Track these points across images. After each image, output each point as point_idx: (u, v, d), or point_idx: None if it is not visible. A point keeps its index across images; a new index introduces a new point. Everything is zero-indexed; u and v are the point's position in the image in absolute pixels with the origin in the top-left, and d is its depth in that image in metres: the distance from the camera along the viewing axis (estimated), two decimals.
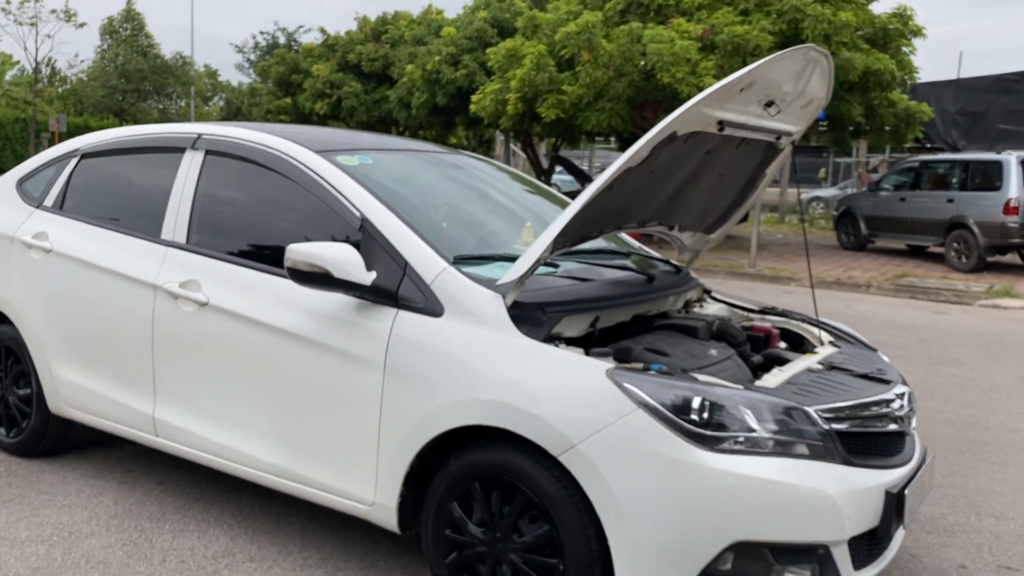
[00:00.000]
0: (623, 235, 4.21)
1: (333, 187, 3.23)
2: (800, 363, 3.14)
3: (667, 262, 4.01)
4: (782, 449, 2.57)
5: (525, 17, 16.15)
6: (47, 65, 36.52)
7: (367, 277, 2.95)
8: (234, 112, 33.47)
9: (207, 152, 3.67)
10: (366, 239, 3.07)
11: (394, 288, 2.96)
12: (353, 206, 3.15)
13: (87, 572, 3.17)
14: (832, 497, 2.54)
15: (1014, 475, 4.60)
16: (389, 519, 2.98)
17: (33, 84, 33.38)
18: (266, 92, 26.94)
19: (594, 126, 14.84)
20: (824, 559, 2.59)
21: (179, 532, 3.52)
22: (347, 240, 3.10)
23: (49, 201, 4.14)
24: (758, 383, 2.83)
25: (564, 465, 2.60)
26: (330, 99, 24.25)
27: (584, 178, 21.48)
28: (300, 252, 2.91)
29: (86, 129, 25.86)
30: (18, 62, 36.50)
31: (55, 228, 4.01)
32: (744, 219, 19.67)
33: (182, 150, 3.74)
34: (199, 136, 3.72)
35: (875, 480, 2.69)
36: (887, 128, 16.33)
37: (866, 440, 2.78)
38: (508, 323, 2.80)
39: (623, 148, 21.27)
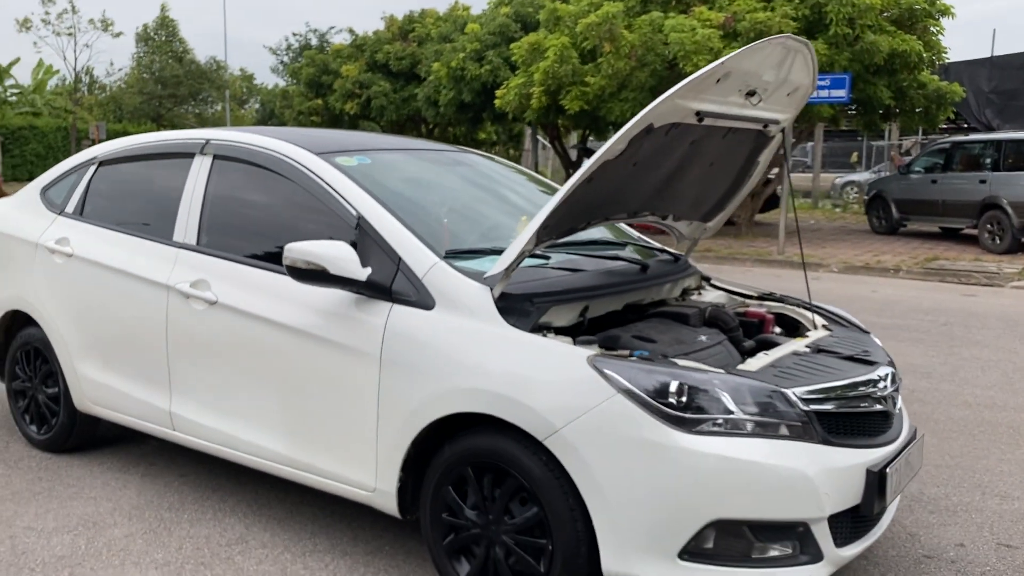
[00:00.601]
0: (622, 225, 4.30)
1: (331, 187, 3.36)
2: (787, 347, 3.20)
3: (665, 251, 4.08)
4: (760, 430, 2.64)
5: (547, 10, 16.20)
6: (86, 74, 37.29)
7: (362, 273, 3.07)
8: (268, 115, 33.90)
9: (215, 157, 3.82)
10: (362, 236, 3.19)
11: (388, 283, 3.08)
12: (350, 205, 3.28)
13: (108, 560, 3.33)
14: (809, 476, 2.60)
15: (1023, 456, 4.61)
16: (389, 504, 3.11)
17: (73, 93, 34.12)
18: (297, 94, 27.28)
19: (618, 117, 14.83)
20: (804, 536, 2.66)
21: (196, 521, 3.68)
22: (347, 238, 3.22)
23: (70, 208, 4.33)
24: (741, 367, 2.90)
25: (549, 449, 2.70)
26: (360, 99, 24.51)
27: None
28: (297, 250, 3.04)
29: (125, 135, 26.41)
30: (58, 71, 37.35)
31: (76, 233, 4.19)
32: (775, 206, 19.56)
33: (192, 155, 3.90)
34: (207, 141, 3.88)
35: (856, 459, 2.75)
36: (918, 110, 16.11)
37: (848, 420, 2.84)
38: (495, 314, 2.90)
39: None
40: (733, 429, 2.62)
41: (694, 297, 3.88)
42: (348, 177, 3.37)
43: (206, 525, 3.64)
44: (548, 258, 3.43)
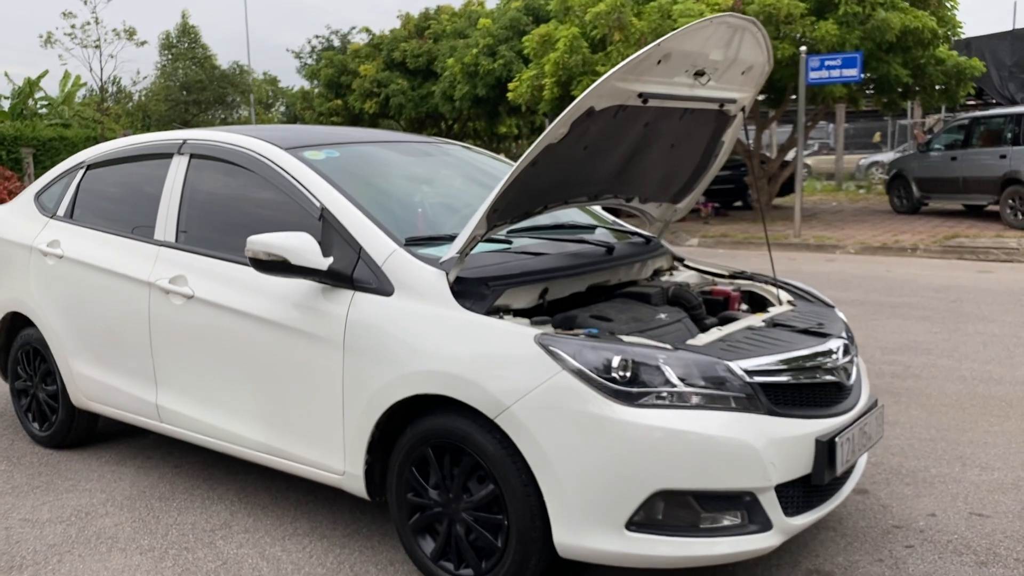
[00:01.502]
0: (597, 209, 4.35)
1: (297, 180, 3.45)
2: (743, 322, 3.24)
3: (637, 233, 4.13)
4: (704, 402, 2.69)
5: (557, 0, 16.22)
6: (112, 83, 37.90)
7: (324, 262, 3.16)
8: (292, 117, 34.26)
9: (191, 156, 3.93)
10: (325, 227, 3.29)
11: (349, 272, 3.17)
12: (314, 197, 3.37)
13: (96, 547, 3.47)
14: (754, 446, 2.65)
15: (1013, 427, 4.59)
16: (358, 486, 3.20)
17: (100, 103, 34.71)
18: (317, 95, 27.54)
19: None
20: (751, 505, 2.70)
21: (184, 509, 3.80)
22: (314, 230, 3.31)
23: (61, 211, 4.48)
24: (689, 342, 2.95)
25: (501, 427, 2.77)
26: (378, 98, 24.70)
27: None
28: (259, 242, 3.14)
29: None
30: (85, 83, 38.00)
31: (66, 236, 4.34)
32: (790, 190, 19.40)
33: (170, 156, 4.02)
34: (184, 141, 3.99)
35: (804, 429, 2.79)
36: (937, 87, 15.92)
37: (796, 391, 2.87)
38: (450, 298, 2.98)
39: None
40: (677, 402, 2.67)
41: (665, 278, 3.92)
42: (313, 170, 3.46)
43: (193, 513, 3.76)
44: (510, 243, 3.50)
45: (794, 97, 14.18)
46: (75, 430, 4.50)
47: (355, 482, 3.20)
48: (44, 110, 37.59)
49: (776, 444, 2.71)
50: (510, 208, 3.08)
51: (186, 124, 37.29)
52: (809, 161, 30.46)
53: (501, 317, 3.00)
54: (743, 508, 2.70)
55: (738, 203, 18.86)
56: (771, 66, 3.51)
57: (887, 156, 25.23)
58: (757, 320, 3.27)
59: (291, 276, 3.18)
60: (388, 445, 3.14)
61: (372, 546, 3.40)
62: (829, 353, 3.00)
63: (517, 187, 2.94)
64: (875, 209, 17.90)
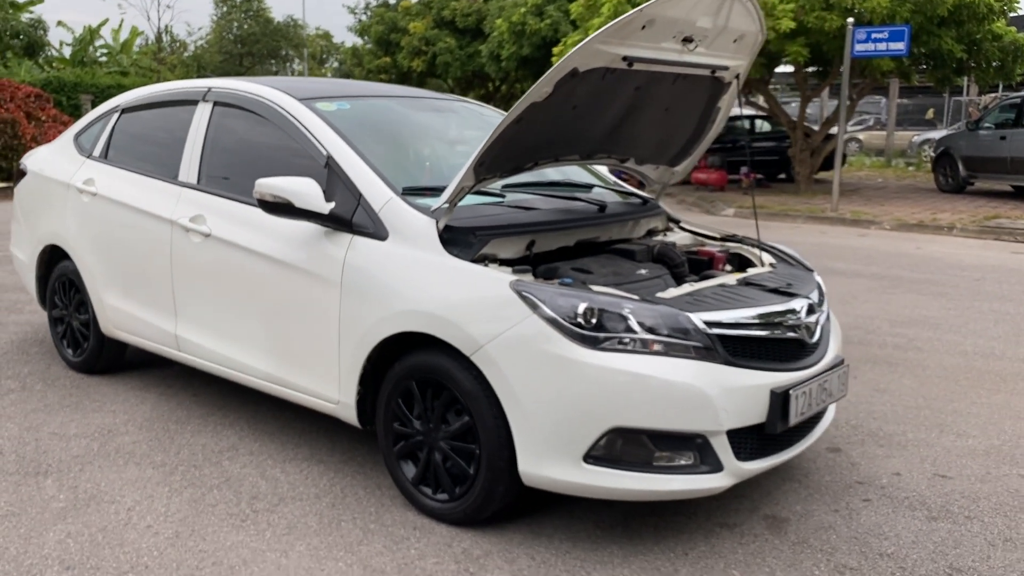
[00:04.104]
0: (600, 169, 4.51)
1: (307, 129, 3.68)
2: (717, 280, 3.42)
3: (635, 194, 4.29)
4: (663, 350, 2.88)
5: None
6: (167, 33, 38.51)
7: (325, 207, 3.39)
8: (344, 73, 34.57)
9: (215, 103, 4.19)
10: (330, 174, 3.52)
11: (349, 216, 3.40)
12: (321, 145, 3.60)
13: (115, 460, 3.79)
14: (705, 392, 2.84)
15: (1000, 400, 4.69)
16: (350, 415, 3.46)
17: (156, 53, 35.36)
18: (367, 52, 27.75)
19: None
20: (703, 447, 2.90)
21: (198, 432, 4.11)
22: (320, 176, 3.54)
23: (96, 152, 4.78)
24: (659, 295, 3.13)
25: (476, 364, 3.00)
26: (426, 56, 24.82)
27: None
28: (266, 185, 3.38)
29: None
30: (142, 32, 38.72)
31: (100, 175, 4.64)
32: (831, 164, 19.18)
33: (196, 103, 4.28)
34: (209, 89, 4.25)
35: (759, 380, 2.97)
36: (993, 64, 15.58)
37: (756, 344, 3.05)
38: (437, 244, 3.19)
39: None
40: (638, 348, 2.87)
41: (658, 237, 4.09)
42: (323, 120, 3.69)
43: (205, 435, 4.07)
44: (504, 197, 3.69)
45: (842, 70, 14.03)
46: (104, 357, 4.84)
47: (348, 411, 3.46)
48: (104, 58, 38.44)
49: (730, 392, 2.89)
50: (498, 162, 3.27)
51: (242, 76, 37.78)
52: (861, 136, 29.95)
53: (486, 265, 3.21)
54: (695, 449, 2.90)
55: (782, 175, 18.74)
56: (764, 35, 3.62)
57: (940, 133, 24.71)
58: (731, 279, 3.43)
59: (295, 218, 3.42)
60: (378, 378, 3.38)
61: (364, 472, 3.67)
62: (792, 312, 3.16)
63: (503, 143, 3.12)
64: (920, 187, 17.66)
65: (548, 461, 2.90)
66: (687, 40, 3.29)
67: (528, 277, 3.17)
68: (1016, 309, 6.95)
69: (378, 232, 3.34)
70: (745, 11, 3.37)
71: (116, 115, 4.79)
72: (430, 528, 3.19)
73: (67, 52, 34.47)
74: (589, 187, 4.18)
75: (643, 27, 3.05)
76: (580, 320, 2.86)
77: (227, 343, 3.93)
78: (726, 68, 3.62)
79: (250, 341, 3.81)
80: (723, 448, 2.92)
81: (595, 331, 2.86)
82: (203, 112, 4.21)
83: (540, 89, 3.00)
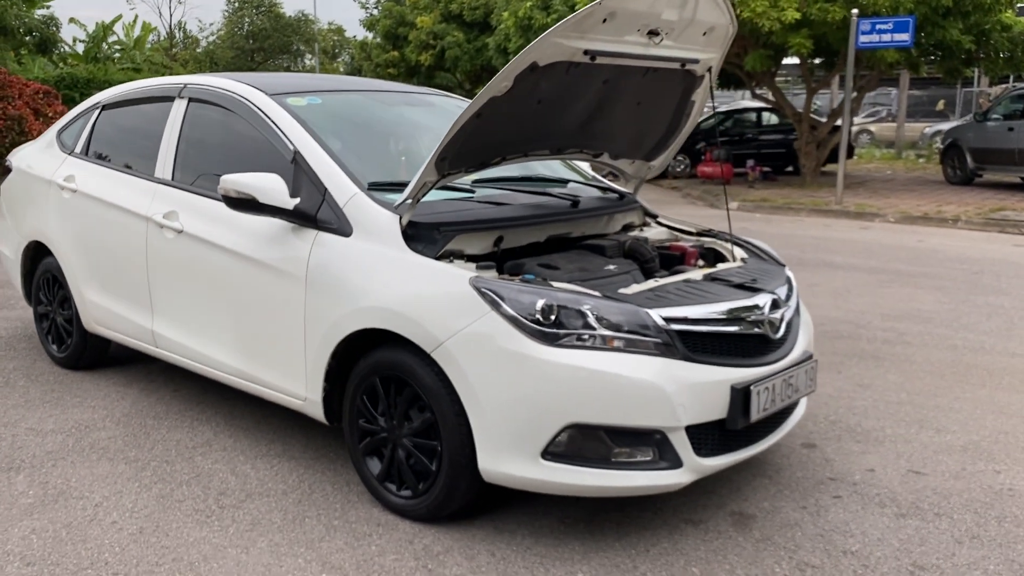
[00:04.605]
0: (581, 165, 4.49)
1: (275, 124, 3.68)
2: (684, 275, 3.39)
3: (612, 189, 4.26)
4: (623, 346, 2.86)
5: None
6: (179, 29, 38.64)
7: (290, 202, 3.39)
8: (354, 68, 34.61)
9: (190, 100, 4.19)
10: (297, 169, 3.51)
11: (314, 212, 3.40)
12: (289, 140, 3.59)
13: (88, 456, 3.81)
14: (662, 387, 2.82)
15: (984, 395, 4.64)
16: (317, 412, 3.46)
17: (168, 49, 35.49)
18: (375, 46, 27.75)
19: None
20: (661, 443, 2.88)
21: (174, 428, 4.12)
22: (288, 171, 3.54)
23: (78, 148, 4.80)
24: (621, 291, 3.11)
25: (437, 361, 2.99)
26: (434, 50, 24.79)
27: None
28: (230, 181, 3.38)
29: None
30: (155, 28, 38.85)
31: (80, 171, 4.66)
32: (850, 156, 19.03)
33: (172, 99, 4.28)
34: (185, 86, 4.25)
35: (719, 376, 2.95)
36: (1002, 55, 15.41)
37: (717, 340, 3.02)
38: (400, 240, 3.18)
39: (722, 86, 20.85)
40: (597, 344, 2.85)
41: (634, 232, 4.07)
42: (291, 115, 3.68)
43: (181, 431, 4.08)
44: (473, 192, 3.68)
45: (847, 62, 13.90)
46: (88, 352, 4.86)
47: (315, 407, 3.46)
48: (118, 54, 38.62)
49: (688, 388, 2.87)
50: (462, 157, 3.25)
51: (252, 72, 37.87)
52: (872, 128, 29.73)
53: (451, 261, 3.20)
54: (654, 445, 2.88)
55: (789, 168, 18.61)
56: (735, 28, 3.58)
57: (951, 125, 24.48)
58: (697, 274, 3.41)
59: (259, 214, 3.42)
60: (344, 375, 3.38)
61: (334, 468, 3.67)
62: (755, 307, 3.13)
63: (464, 137, 3.10)
64: (928, 179, 17.51)
65: (507, 457, 2.89)
66: (653, 33, 3.26)
67: (492, 273, 3.16)
68: (1011, 303, 6.88)
69: (342, 228, 3.33)
70: (713, 3, 3.34)
71: (97, 112, 4.81)
72: (394, 525, 3.19)
73: (80, 49, 34.65)
74: (564, 182, 4.15)
75: (604, 20, 3.02)
76: (539, 317, 2.85)
77: (200, 339, 3.94)
78: (696, 61, 3.59)
79: (221, 337, 3.82)
80: (682, 444, 2.90)
81: (553, 328, 2.85)
82: (179, 108, 4.22)
83: (499, 83, 2.98)
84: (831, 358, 5.30)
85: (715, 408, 2.95)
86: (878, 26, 12.81)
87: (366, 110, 4.19)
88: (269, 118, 3.71)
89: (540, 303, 2.86)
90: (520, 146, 3.51)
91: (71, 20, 34.24)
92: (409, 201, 3.21)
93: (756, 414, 3.02)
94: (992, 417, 4.31)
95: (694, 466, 2.94)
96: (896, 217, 12.40)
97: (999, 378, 4.94)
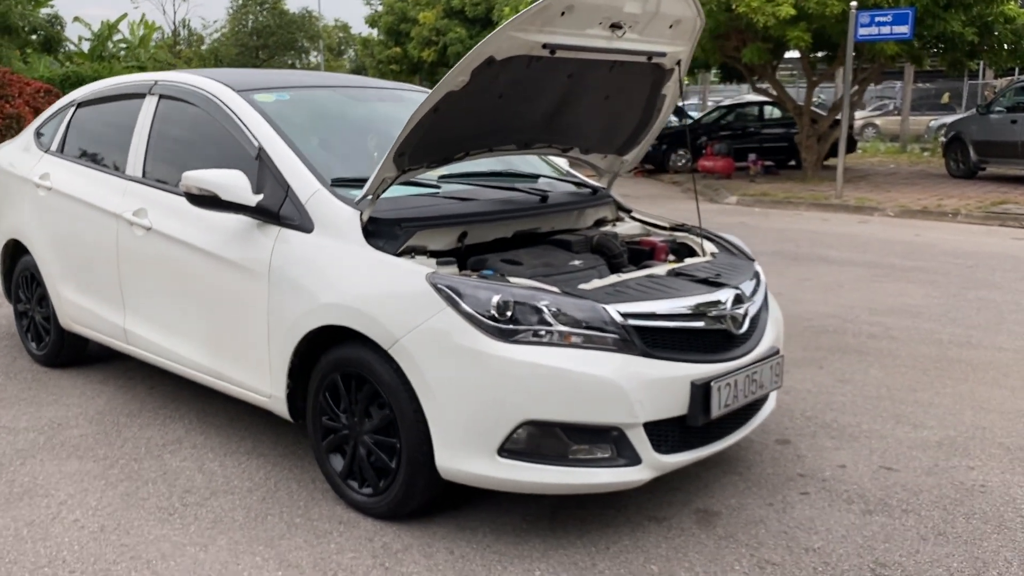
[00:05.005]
0: (557, 160, 4.46)
1: (241, 120, 3.66)
2: (647, 271, 3.36)
3: (586, 184, 4.24)
4: (580, 342, 2.83)
5: None
6: (183, 27, 38.71)
7: (253, 199, 3.37)
8: (358, 65, 34.63)
9: (160, 96, 4.18)
10: (261, 166, 3.50)
11: (276, 208, 3.38)
12: (254, 136, 3.58)
13: (58, 453, 3.80)
14: (619, 384, 2.79)
15: (965, 390, 4.60)
16: (282, 409, 3.45)
17: (172, 47, 35.56)
18: (377, 43, 27.73)
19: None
20: (619, 440, 2.86)
21: (146, 425, 4.12)
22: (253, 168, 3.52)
23: (54, 146, 4.80)
24: (581, 286, 3.08)
25: (394, 357, 2.97)
26: (436, 46, 24.76)
27: (681, 112, 21.17)
28: (192, 177, 3.37)
29: None
30: (160, 27, 38.91)
31: (56, 169, 4.65)
32: (852, 150, 18.91)
33: (143, 96, 4.27)
34: (156, 83, 4.24)
35: (679, 372, 2.92)
36: (1006, 47, 15.29)
37: (677, 336, 2.99)
38: (360, 236, 3.16)
39: (724, 80, 20.77)
40: (554, 340, 2.83)
41: (607, 227, 4.03)
42: (257, 111, 3.66)
43: (153, 428, 4.08)
44: (439, 187, 3.65)
45: (854, 55, 13.80)
46: (66, 350, 4.86)
47: (279, 404, 3.45)
48: (123, 52, 38.73)
49: (647, 384, 2.84)
50: (423, 153, 3.22)
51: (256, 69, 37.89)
52: (879, 121, 29.56)
53: (413, 257, 3.17)
54: (611, 442, 2.86)
55: (792, 162, 18.52)
56: (702, 20, 3.54)
57: (955, 118, 24.32)
58: (662, 269, 3.38)
59: (222, 211, 3.41)
60: (308, 372, 3.36)
61: (302, 466, 3.65)
62: (716, 302, 3.10)
63: (422, 132, 3.07)
64: (932, 173, 17.38)
65: (463, 455, 2.87)
66: (616, 26, 3.22)
67: (452, 269, 3.14)
68: (1003, 297, 6.82)
69: (304, 224, 3.31)
70: None
71: (72, 109, 4.80)
72: (355, 522, 3.17)
73: (86, 47, 34.74)
74: (535, 177, 4.13)
75: (562, 13, 2.98)
76: (494, 313, 2.82)
77: (170, 336, 3.93)
78: (663, 54, 3.54)
79: (189, 334, 3.81)
80: (640, 441, 2.87)
81: (509, 324, 2.82)
82: (149, 105, 4.21)
83: (455, 78, 2.95)
84: (814, 353, 5.26)
85: (675, 404, 2.92)
86: (877, 18, 12.72)
87: (336, 106, 4.17)
88: (235, 114, 3.70)
89: (495, 299, 2.84)
90: (483, 141, 3.48)
91: (75, 19, 34.24)
92: (369, 197, 3.19)
93: (717, 410, 2.99)
94: (971, 412, 4.26)
95: (653, 463, 2.91)
96: (895, 211, 12.31)
97: (983, 372, 4.89)
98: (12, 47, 28.22)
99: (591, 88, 3.54)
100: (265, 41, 37.39)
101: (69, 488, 3.47)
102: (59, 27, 32.26)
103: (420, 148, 3.17)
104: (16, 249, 5.04)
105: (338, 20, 50.89)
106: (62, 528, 3.15)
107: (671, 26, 3.43)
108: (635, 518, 3.20)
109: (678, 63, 3.67)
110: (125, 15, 38.56)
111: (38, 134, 4.99)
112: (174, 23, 33.62)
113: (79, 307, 4.51)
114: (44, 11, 31.76)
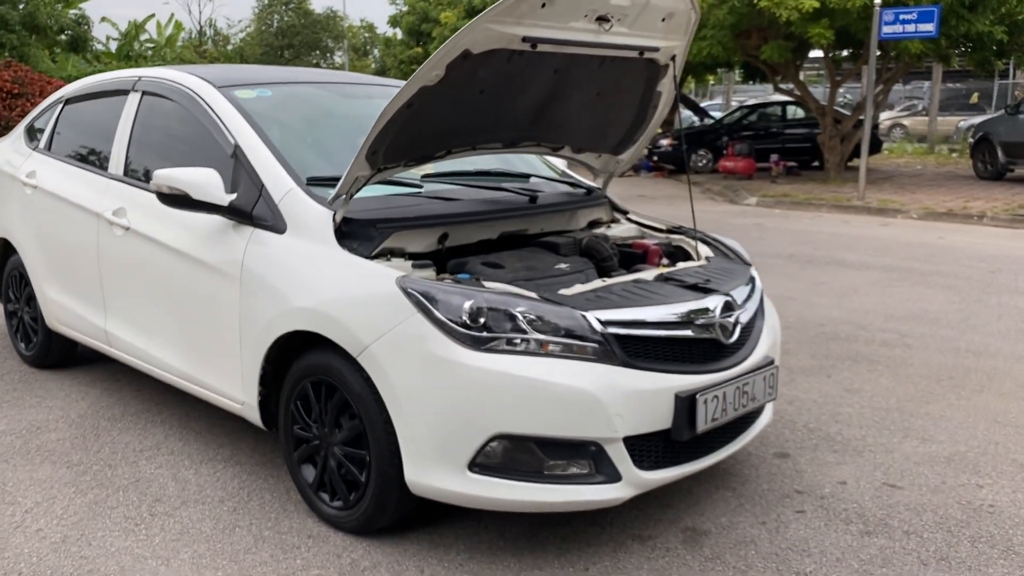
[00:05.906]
0: (550, 159, 4.30)
1: (219, 117, 3.54)
2: (634, 275, 3.19)
3: (580, 184, 4.08)
4: (557, 350, 2.68)
5: None
6: (209, 26, 38.94)
7: (225, 198, 3.25)
8: (381, 64, 34.61)
9: (143, 93, 4.07)
10: (236, 164, 3.37)
11: (249, 208, 3.25)
12: (230, 134, 3.45)
13: (32, 458, 3.71)
14: (596, 396, 2.63)
15: (980, 402, 4.38)
16: (254, 416, 3.32)
17: (198, 46, 35.77)
18: (399, 42, 27.68)
19: (694, 56, 14.42)
20: (598, 455, 2.69)
21: (126, 430, 4.01)
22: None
23: (42, 144, 4.71)
24: (561, 291, 2.92)
25: (363, 365, 2.83)
26: None
27: (701, 112, 20.90)
28: (163, 176, 3.25)
29: None
30: (187, 28, 39.18)
31: (42, 167, 4.57)
32: (877, 150, 18.57)
33: (127, 92, 4.17)
34: (139, 79, 4.14)
35: (662, 383, 2.75)
36: None
37: (661, 345, 2.82)
38: (331, 237, 3.02)
39: (746, 79, 20.48)
40: (530, 349, 2.67)
41: (600, 229, 3.87)
42: (235, 108, 3.54)
43: (132, 433, 3.97)
44: (421, 187, 3.51)
45: (879, 53, 13.51)
46: (54, 351, 4.78)
47: (252, 412, 3.32)
48: (149, 52, 39.05)
49: (627, 396, 2.68)
50: (399, 150, 3.08)
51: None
52: (906, 122, 29.05)
53: (389, 259, 3.03)
54: (589, 458, 2.70)
55: (815, 163, 18.21)
56: (697, 14, 3.37)
57: (984, 118, 23.83)
58: (650, 274, 3.21)
59: (194, 210, 3.29)
60: (280, 379, 3.23)
61: (278, 475, 3.52)
62: (704, 310, 2.93)
63: (396, 129, 2.94)
64: (959, 174, 17.01)
65: (433, 470, 2.72)
66: (602, 19, 3.06)
67: (429, 273, 3.00)
68: None
69: (277, 224, 3.18)
70: None
71: (60, 106, 4.72)
72: (325, 537, 3.04)
73: (113, 47, 35.03)
74: (526, 177, 3.97)
75: (543, 5, 2.83)
76: (466, 319, 2.68)
77: (148, 339, 3.82)
78: (656, 49, 3.38)
79: (165, 337, 3.70)
80: (620, 457, 2.71)
81: (482, 331, 2.67)
82: (132, 102, 4.11)
83: (428, 72, 2.80)
84: (823, 361, 5.06)
85: (658, 418, 2.75)
86: (901, 16, 12.42)
87: (321, 102, 4.03)
88: (213, 110, 3.58)
89: (467, 305, 2.69)
90: (466, 138, 3.33)
91: (103, 19, 34.56)
92: (343, 196, 3.05)
93: (704, 424, 2.82)
94: (984, 426, 4.06)
95: (634, 480, 2.75)
96: (919, 213, 12.01)
97: (1000, 383, 4.67)
98: (41, 47, 28.49)
99: (580, 84, 3.38)
100: (290, 41, 37.51)
101: (36, 495, 3.36)
102: (86, 26, 32.55)
103: (395, 145, 3.03)
104: (6, 249, 4.96)
105: (364, 20, 51.05)
106: (23, 538, 3.04)
107: (663, 19, 3.27)
108: (619, 537, 3.03)
109: (673, 58, 3.50)
110: (152, 15, 38.86)
111: (28, 131, 4.91)
112: (199, 23, 33.76)
113: (64, 308, 4.42)
114: (72, 12, 32.08)
